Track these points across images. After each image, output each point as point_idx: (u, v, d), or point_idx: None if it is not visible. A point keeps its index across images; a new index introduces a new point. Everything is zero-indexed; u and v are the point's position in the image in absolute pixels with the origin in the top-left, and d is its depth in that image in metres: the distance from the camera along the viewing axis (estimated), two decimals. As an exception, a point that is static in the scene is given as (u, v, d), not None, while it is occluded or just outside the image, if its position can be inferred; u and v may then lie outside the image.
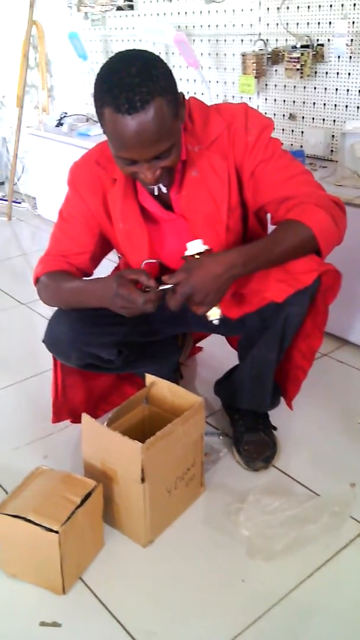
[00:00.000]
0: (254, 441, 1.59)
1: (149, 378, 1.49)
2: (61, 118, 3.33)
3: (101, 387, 1.74)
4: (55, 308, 1.50)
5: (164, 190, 1.32)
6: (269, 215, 1.44)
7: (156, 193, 1.32)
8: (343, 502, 1.41)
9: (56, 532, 1.18)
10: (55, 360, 1.55)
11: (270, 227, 1.38)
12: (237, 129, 1.33)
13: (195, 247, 1.28)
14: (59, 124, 3.31)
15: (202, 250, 1.28)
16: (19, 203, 3.92)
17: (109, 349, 1.50)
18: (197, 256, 1.27)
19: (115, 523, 1.41)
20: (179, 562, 1.33)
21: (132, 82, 1.13)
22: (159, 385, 1.48)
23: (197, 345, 2.03)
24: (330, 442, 1.67)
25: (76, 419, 1.66)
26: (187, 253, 1.29)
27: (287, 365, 1.56)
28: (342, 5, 2.15)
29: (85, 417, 1.35)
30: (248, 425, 1.62)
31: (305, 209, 1.31)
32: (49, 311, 1.53)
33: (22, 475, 1.35)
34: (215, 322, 1.32)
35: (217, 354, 2.00)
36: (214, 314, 1.31)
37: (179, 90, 1.25)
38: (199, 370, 2.04)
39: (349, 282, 1.42)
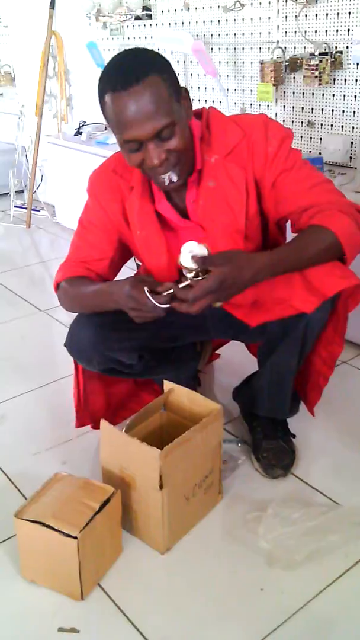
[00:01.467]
0: (272, 448, 1.58)
1: (167, 385, 1.49)
2: (80, 127, 3.36)
3: (120, 394, 1.75)
4: (76, 314, 1.51)
5: (174, 179, 1.30)
6: (288, 224, 1.44)
7: (167, 183, 1.30)
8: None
9: (75, 537, 1.19)
10: (77, 365, 1.56)
11: (291, 236, 1.38)
12: (257, 139, 1.34)
13: (190, 248, 1.21)
14: (78, 133, 3.34)
15: (201, 254, 1.21)
16: (38, 211, 3.95)
17: (130, 354, 1.51)
18: (193, 264, 1.21)
19: (133, 530, 1.41)
20: (197, 569, 1.33)
21: (128, 64, 1.21)
22: (177, 392, 1.48)
23: (216, 352, 2.03)
24: (349, 450, 1.65)
25: (96, 425, 1.66)
26: (183, 259, 1.21)
27: (308, 372, 1.55)
28: (361, 12, 2.15)
29: (103, 423, 1.36)
30: (267, 432, 1.61)
31: (329, 215, 1.30)
32: (68, 318, 1.54)
33: (41, 481, 1.35)
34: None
35: (235, 361, 1.99)
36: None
37: (183, 86, 1.28)
38: (217, 376, 2.04)
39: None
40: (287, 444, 1.60)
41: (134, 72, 1.18)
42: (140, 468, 1.31)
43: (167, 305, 1.24)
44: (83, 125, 3.36)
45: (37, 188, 3.96)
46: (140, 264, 1.57)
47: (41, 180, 3.98)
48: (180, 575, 1.32)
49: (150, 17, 3.03)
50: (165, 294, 1.24)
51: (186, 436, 1.30)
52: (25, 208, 3.88)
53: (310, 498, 1.49)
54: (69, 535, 1.19)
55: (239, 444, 1.69)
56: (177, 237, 1.45)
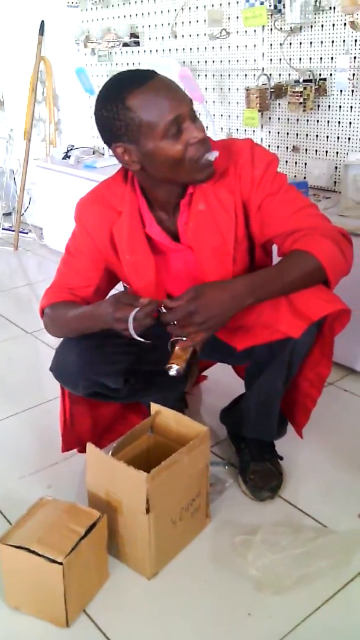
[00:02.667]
0: (260, 471, 1.58)
1: (154, 407, 1.49)
2: (68, 150, 3.39)
3: (107, 416, 1.74)
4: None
5: (215, 154, 1.30)
6: (275, 247, 1.46)
7: (212, 159, 1.31)
8: (353, 537, 1.39)
9: (60, 563, 1.17)
10: (63, 389, 1.55)
11: (277, 259, 1.39)
12: (243, 164, 1.36)
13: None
14: (66, 157, 3.37)
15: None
16: (26, 233, 3.96)
17: (117, 378, 1.50)
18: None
19: (119, 554, 1.39)
20: (184, 594, 1.31)
21: (133, 71, 1.30)
22: (164, 414, 1.48)
23: (202, 374, 2.03)
24: (337, 471, 1.65)
25: (83, 449, 1.65)
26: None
27: (296, 394, 1.55)
28: (344, 41, 2.20)
29: (89, 446, 1.35)
30: (254, 455, 1.61)
31: (312, 239, 1.32)
32: (55, 340, 1.54)
33: (26, 505, 1.34)
34: (173, 372, 1.30)
35: (222, 383, 1.99)
36: (178, 362, 1.29)
37: None
38: (205, 398, 2.03)
39: (354, 310, 1.42)
40: (274, 466, 1.60)
41: (146, 72, 1.27)
42: (127, 492, 1.30)
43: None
44: (71, 149, 3.38)
45: (25, 211, 3.98)
46: (128, 287, 1.58)
47: (29, 203, 3.99)
48: (167, 601, 1.30)
49: (137, 44, 3.08)
50: (147, 304, 1.26)
51: (173, 459, 1.29)
52: (13, 230, 3.89)
53: (298, 521, 1.48)
54: (54, 561, 1.17)
55: (226, 467, 1.68)
56: (166, 260, 1.46)
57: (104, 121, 1.29)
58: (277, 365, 1.44)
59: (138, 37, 3.06)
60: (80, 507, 1.31)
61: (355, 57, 2.17)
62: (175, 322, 1.26)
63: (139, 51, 3.11)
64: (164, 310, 1.26)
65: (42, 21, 3.57)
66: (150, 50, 3.04)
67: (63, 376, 1.49)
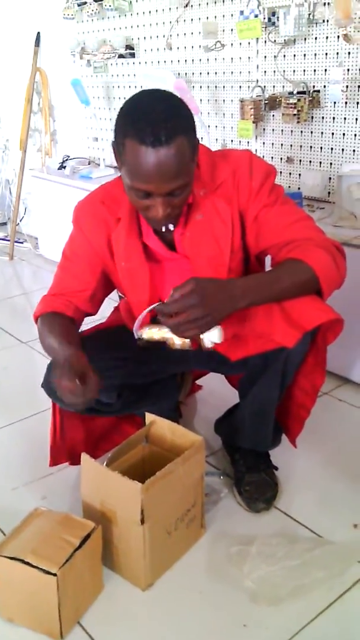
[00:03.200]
0: (255, 481, 1.57)
1: (149, 417, 1.48)
2: (64, 161, 3.40)
3: (101, 426, 1.73)
4: None
5: (170, 228, 1.34)
6: (268, 258, 1.46)
7: (163, 230, 1.33)
8: (349, 548, 1.39)
9: (54, 574, 1.16)
10: (54, 403, 1.54)
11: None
12: (242, 174, 1.37)
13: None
14: (62, 167, 3.38)
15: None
16: (21, 243, 3.96)
17: (109, 393, 1.50)
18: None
19: (114, 566, 1.38)
20: (179, 606, 1.30)
21: (159, 117, 1.17)
22: (158, 424, 1.47)
23: (197, 383, 2.03)
24: (331, 482, 1.65)
25: (75, 461, 1.64)
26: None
27: (290, 404, 1.56)
28: (337, 53, 2.22)
29: (84, 456, 1.35)
30: (249, 465, 1.60)
31: (307, 249, 1.32)
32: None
33: (21, 516, 1.33)
34: (209, 344, 1.27)
35: (216, 392, 1.99)
36: (211, 335, 1.26)
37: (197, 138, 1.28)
38: (199, 408, 2.03)
39: (349, 322, 1.42)
40: (269, 477, 1.60)
41: (164, 131, 1.16)
42: (121, 502, 1.29)
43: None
44: (67, 160, 3.40)
45: (20, 220, 3.98)
46: (122, 296, 1.58)
47: (25, 213, 4.00)
48: (162, 612, 1.29)
49: (133, 55, 3.10)
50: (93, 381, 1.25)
51: (168, 469, 1.29)
52: (8, 240, 3.90)
53: (294, 532, 1.48)
54: (48, 572, 1.17)
55: (221, 477, 1.68)
56: (162, 269, 1.47)
57: (116, 124, 1.26)
58: (272, 375, 1.44)
59: (133, 49, 3.08)
60: (74, 518, 1.31)
61: (348, 70, 2.19)
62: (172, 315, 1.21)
63: (134, 62, 3.13)
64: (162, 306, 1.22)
65: (38, 32, 3.59)
66: (146, 62, 3.06)
67: (55, 393, 1.46)
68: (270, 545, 1.40)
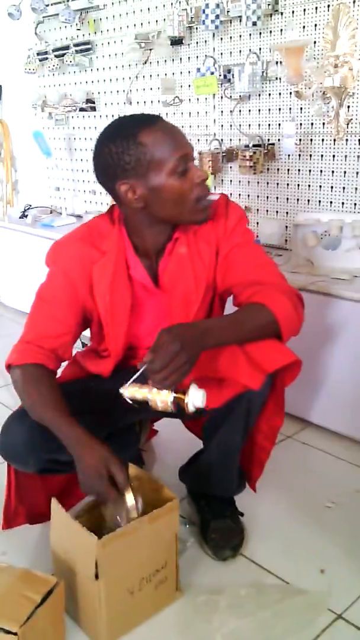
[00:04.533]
0: (221, 529, 1.56)
1: (131, 467, 1.42)
2: (25, 210, 3.42)
3: (61, 482, 1.63)
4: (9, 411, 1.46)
5: (215, 197, 1.45)
6: (230, 298, 1.50)
7: (211, 201, 1.41)
8: (318, 596, 1.38)
9: (15, 634, 1.12)
10: (9, 465, 1.48)
11: (232, 309, 1.43)
12: (219, 215, 1.46)
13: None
14: (23, 216, 3.40)
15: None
16: (-19, 291, 3.92)
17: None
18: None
19: (78, 620, 1.34)
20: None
21: (143, 114, 1.40)
22: (137, 475, 1.42)
23: (153, 428, 2.00)
24: (297, 526, 1.65)
25: (34, 520, 1.59)
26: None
27: (250, 448, 1.55)
28: (290, 109, 2.33)
29: (54, 503, 1.32)
30: (215, 512, 1.59)
31: (270, 294, 1.36)
32: (12, 400, 1.51)
33: (-20, 573, 1.28)
34: (192, 408, 1.23)
35: (175, 437, 1.96)
36: (194, 399, 1.23)
37: None
38: (160, 453, 2.01)
39: (307, 365, 1.45)
40: (235, 523, 1.59)
41: (152, 115, 1.37)
42: (79, 554, 1.26)
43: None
44: (29, 209, 3.42)
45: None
46: (86, 343, 1.56)
47: (-15, 262, 3.98)
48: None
49: (94, 109, 3.18)
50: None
51: (131, 527, 1.25)
52: (-32, 289, 3.85)
53: (262, 580, 1.46)
54: (8, 632, 1.12)
55: (187, 525, 1.65)
56: (140, 305, 1.49)
57: (111, 157, 1.31)
58: (235, 419, 1.45)
59: (94, 103, 3.17)
60: (35, 573, 1.26)
61: (300, 124, 2.30)
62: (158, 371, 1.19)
63: (95, 116, 3.21)
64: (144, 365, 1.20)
65: (0, 86, 3.66)
66: (107, 115, 3.14)
67: (11, 455, 1.42)
68: (239, 597, 1.38)
